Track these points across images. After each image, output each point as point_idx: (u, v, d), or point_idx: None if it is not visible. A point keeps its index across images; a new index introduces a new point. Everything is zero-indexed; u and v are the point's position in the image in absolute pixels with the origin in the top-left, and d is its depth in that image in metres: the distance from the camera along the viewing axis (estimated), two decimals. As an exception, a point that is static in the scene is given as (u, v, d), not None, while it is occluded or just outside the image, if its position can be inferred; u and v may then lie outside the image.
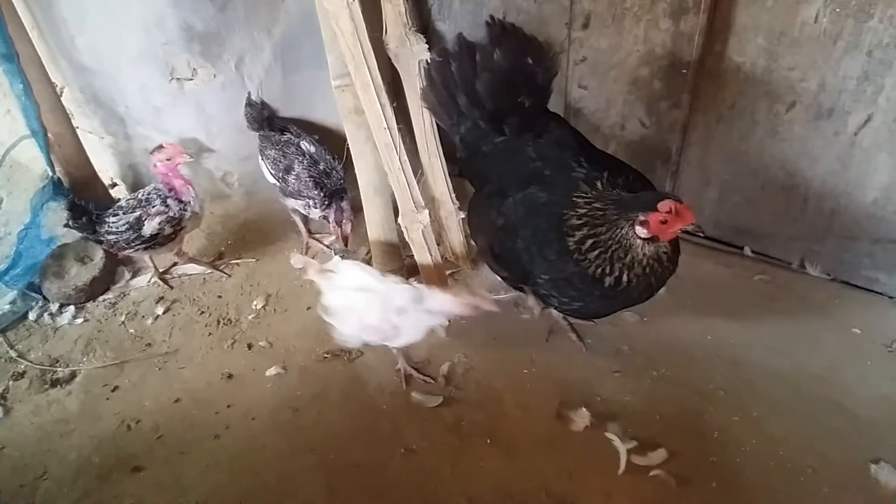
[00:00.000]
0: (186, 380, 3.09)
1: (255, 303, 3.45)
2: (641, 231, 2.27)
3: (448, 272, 3.32)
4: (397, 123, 2.87)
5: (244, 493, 2.60)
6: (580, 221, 2.37)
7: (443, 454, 2.68)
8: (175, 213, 3.35)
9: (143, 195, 3.38)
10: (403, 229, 3.06)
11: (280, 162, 3.41)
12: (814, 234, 3.23)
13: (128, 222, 3.31)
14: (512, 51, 2.68)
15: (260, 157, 3.57)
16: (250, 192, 3.80)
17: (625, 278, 2.35)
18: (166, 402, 2.99)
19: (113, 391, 3.08)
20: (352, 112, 2.93)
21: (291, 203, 3.51)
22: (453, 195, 3.29)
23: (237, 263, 3.73)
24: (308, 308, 3.38)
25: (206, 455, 2.75)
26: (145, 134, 3.58)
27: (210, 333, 3.32)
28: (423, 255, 3.08)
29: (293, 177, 3.34)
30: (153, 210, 3.32)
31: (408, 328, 2.66)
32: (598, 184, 2.49)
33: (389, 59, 2.97)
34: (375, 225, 3.30)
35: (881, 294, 3.19)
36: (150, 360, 3.21)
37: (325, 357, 3.12)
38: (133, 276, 3.70)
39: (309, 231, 3.74)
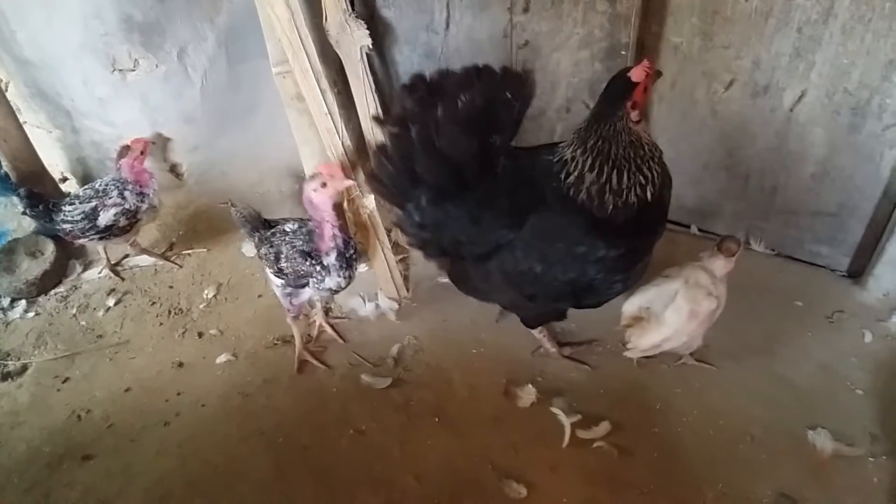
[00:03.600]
0: (137, 369, 3.11)
1: (206, 292, 3.47)
2: (634, 115, 2.17)
3: (398, 257, 3.35)
4: (340, 108, 2.89)
5: (193, 477, 2.63)
6: (594, 173, 2.23)
7: (391, 434, 2.72)
8: (131, 206, 3.37)
9: (100, 185, 3.39)
10: (349, 215, 3.08)
11: (270, 255, 2.93)
12: (757, 210, 3.30)
13: (83, 212, 3.32)
14: (487, 89, 2.33)
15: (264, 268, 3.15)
16: (200, 182, 3.80)
17: (656, 177, 2.25)
18: (117, 391, 3.01)
19: (64, 383, 3.09)
20: (294, 99, 2.93)
21: (306, 296, 2.99)
22: (402, 180, 3.32)
23: (188, 254, 3.73)
24: (259, 296, 3.41)
25: (155, 442, 2.78)
26: (92, 127, 3.58)
27: (161, 323, 3.33)
28: (370, 239, 3.11)
29: (285, 262, 2.87)
30: (109, 201, 3.33)
31: (723, 294, 2.65)
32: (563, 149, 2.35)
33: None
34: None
35: (823, 267, 3.26)
36: (101, 352, 3.22)
37: (276, 343, 3.15)
38: (84, 269, 3.69)
39: (326, 313, 3.30)
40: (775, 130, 3.02)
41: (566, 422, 2.64)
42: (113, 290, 3.56)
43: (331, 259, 2.74)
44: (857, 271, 3.19)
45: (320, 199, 2.65)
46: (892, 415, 2.61)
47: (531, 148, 2.60)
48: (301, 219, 2.94)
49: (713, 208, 3.42)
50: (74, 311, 3.46)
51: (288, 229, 2.91)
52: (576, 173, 2.27)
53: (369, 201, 3.01)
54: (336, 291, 2.91)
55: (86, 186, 3.45)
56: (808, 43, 2.73)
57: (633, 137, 2.19)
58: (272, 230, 2.97)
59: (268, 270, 2.96)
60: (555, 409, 2.69)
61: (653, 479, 2.49)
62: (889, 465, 2.46)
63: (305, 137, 3.10)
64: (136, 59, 3.37)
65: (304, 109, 2.91)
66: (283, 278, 2.86)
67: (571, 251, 2.34)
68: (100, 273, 3.65)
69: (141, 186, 3.37)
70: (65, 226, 3.35)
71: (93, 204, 3.32)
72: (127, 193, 3.34)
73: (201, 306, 3.40)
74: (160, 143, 3.56)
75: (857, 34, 2.62)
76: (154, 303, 3.46)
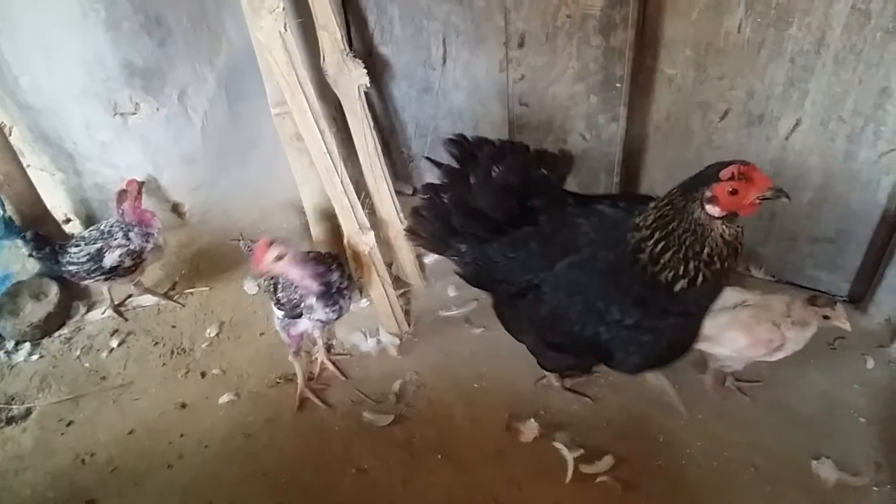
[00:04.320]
0: (140, 411, 3.10)
1: (208, 331, 3.46)
2: (713, 209, 2.00)
3: (399, 292, 3.36)
4: (339, 147, 2.91)
5: (196, 520, 2.62)
6: (649, 231, 2.12)
7: (394, 472, 2.72)
8: (136, 247, 3.38)
9: (105, 227, 3.40)
10: (350, 252, 3.10)
11: (270, 286, 2.93)
12: (756, 236, 3.30)
13: (89, 253, 3.33)
14: (521, 167, 2.44)
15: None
16: (202, 221, 3.81)
17: (700, 276, 2.08)
18: (120, 434, 3.00)
19: (68, 426, 3.07)
20: (293, 138, 2.96)
21: (303, 327, 2.96)
22: (401, 215, 3.34)
23: (191, 293, 3.74)
24: (261, 334, 3.40)
25: (159, 485, 2.77)
26: (95, 169, 3.60)
27: (164, 364, 3.33)
28: (370, 276, 3.12)
29: (281, 292, 2.86)
30: (115, 243, 3.34)
31: (793, 340, 2.56)
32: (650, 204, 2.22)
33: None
34: (324, 248, 3.33)
35: (824, 293, 3.25)
36: (104, 394, 3.21)
37: (278, 382, 3.14)
38: (88, 311, 3.69)
39: (328, 350, 3.30)
40: (771, 158, 3.03)
41: (569, 456, 2.64)
42: (116, 330, 3.55)
43: (310, 301, 2.77)
44: (858, 297, 3.19)
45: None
46: (896, 442, 2.61)
47: (585, 196, 2.55)
48: (308, 250, 2.96)
49: (712, 236, 3.43)
50: (78, 353, 3.46)
51: None
52: (645, 228, 2.15)
53: (369, 238, 3.03)
54: (329, 323, 2.94)
55: (91, 228, 3.47)
56: (802, 73, 2.76)
57: (698, 227, 2.05)
58: None
59: (271, 303, 2.98)
60: (557, 444, 2.69)
61: (658, 513, 2.49)
62: (894, 494, 2.45)
63: (305, 176, 3.13)
64: (137, 103, 3.40)
65: (303, 149, 2.92)
66: (282, 309, 2.88)
67: (590, 304, 2.31)
68: (103, 314, 3.65)
69: (145, 227, 3.39)
70: (70, 267, 3.36)
71: (98, 245, 3.34)
72: (132, 234, 3.36)
73: (204, 346, 3.40)
74: (159, 184, 3.59)
75: (849, 64, 2.65)
76: (157, 343, 3.45)
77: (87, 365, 3.39)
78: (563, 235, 2.39)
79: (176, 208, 3.79)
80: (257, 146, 3.87)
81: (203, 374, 3.25)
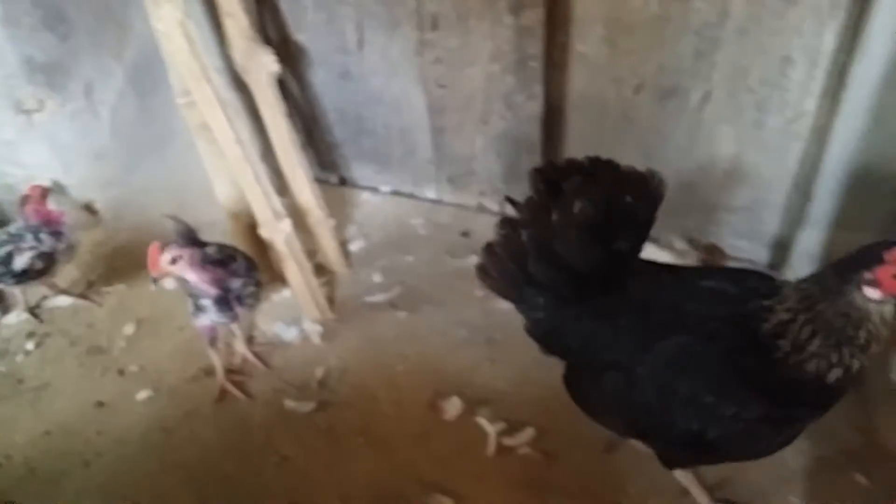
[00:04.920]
0: (57, 412, 3.02)
1: (125, 328, 3.38)
2: (873, 293, 1.77)
3: (323, 279, 3.33)
4: (256, 136, 2.87)
5: (114, 516, 2.56)
6: (790, 315, 1.88)
7: (316, 458, 2.69)
8: (47, 248, 3.27)
9: (14, 230, 3.29)
10: (266, 240, 3.05)
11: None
12: (677, 209, 3.30)
13: None
14: (602, 195, 2.06)
15: None
16: (117, 217, 3.70)
17: (855, 365, 1.85)
18: (37, 435, 2.92)
19: (-17, 431, 2.99)
20: (201, 128, 2.91)
21: (205, 321, 2.87)
22: (321, 202, 3.31)
23: (108, 291, 3.65)
24: (180, 329, 3.33)
25: (76, 483, 2.70)
26: (3, 170, 3.48)
27: (81, 364, 3.24)
28: (289, 264, 3.07)
29: (187, 284, 2.76)
30: (24, 245, 3.24)
31: None
32: (774, 283, 2.04)
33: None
34: (241, 238, 3.28)
35: (748, 260, 3.32)
36: (21, 397, 3.12)
37: (197, 376, 3.09)
38: (3, 314, 3.58)
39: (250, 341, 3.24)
40: (686, 131, 3.07)
41: (491, 430, 2.65)
42: (32, 333, 3.45)
43: (205, 303, 2.76)
44: (778, 264, 3.24)
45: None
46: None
47: (677, 267, 2.45)
48: (224, 245, 2.90)
49: (634, 211, 3.46)
50: (-7, 357, 3.36)
51: (209, 251, 2.86)
52: (782, 311, 1.92)
53: (285, 225, 2.99)
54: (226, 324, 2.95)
55: (-1, 231, 3.37)
56: (708, 45, 2.79)
57: (853, 310, 1.81)
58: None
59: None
60: (480, 420, 2.69)
61: (579, 480, 2.50)
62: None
63: (216, 166, 3.07)
64: (41, 100, 3.28)
65: (212, 139, 2.87)
66: (191, 297, 2.84)
67: (714, 385, 2.02)
68: (18, 317, 3.55)
69: (54, 226, 3.30)
70: (-21, 272, 3.26)
71: (7, 248, 3.24)
72: (42, 236, 3.26)
73: (121, 344, 3.32)
74: (69, 183, 3.49)
75: (751, 34, 2.69)
76: (74, 343, 3.36)
77: (2, 369, 3.29)
78: (663, 308, 2.13)
79: (88, 206, 3.68)
80: (172, 139, 3.78)
81: (121, 372, 3.17)
